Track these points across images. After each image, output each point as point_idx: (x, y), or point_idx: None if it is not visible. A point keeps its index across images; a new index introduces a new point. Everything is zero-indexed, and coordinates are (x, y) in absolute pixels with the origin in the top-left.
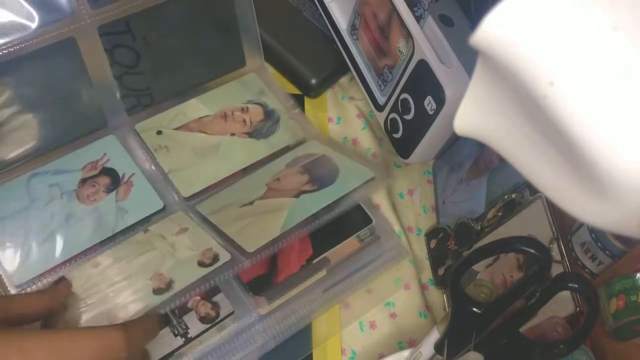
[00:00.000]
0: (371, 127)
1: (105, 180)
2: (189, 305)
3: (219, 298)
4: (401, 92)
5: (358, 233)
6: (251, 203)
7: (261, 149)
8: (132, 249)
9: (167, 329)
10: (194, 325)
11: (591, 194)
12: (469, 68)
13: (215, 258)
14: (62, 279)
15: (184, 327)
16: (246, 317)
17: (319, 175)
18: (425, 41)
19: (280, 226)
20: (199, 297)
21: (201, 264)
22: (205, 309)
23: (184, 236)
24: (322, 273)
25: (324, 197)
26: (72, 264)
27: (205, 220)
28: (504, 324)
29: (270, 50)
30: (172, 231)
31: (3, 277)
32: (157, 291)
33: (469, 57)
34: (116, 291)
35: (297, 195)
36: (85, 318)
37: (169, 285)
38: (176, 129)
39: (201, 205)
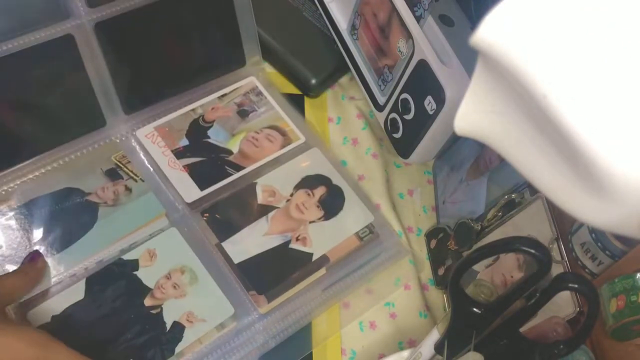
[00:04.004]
0: (371, 127)
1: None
2: None
3: None
4: (401, 92)
5: (357, 231)
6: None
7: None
8: None
9: None
10: None
11: (591, 194)
12: (469, 68)
13: None
14: (37, 254)
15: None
16: (246, 316)
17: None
18: (425, 41)
19: None
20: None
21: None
22: None
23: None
24: (322, 272)
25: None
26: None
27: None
28: (504, 324)
29: (270, 50)
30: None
31: None
32: None
33: (469, 57)
34: None
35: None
36: None
37: None
38: None
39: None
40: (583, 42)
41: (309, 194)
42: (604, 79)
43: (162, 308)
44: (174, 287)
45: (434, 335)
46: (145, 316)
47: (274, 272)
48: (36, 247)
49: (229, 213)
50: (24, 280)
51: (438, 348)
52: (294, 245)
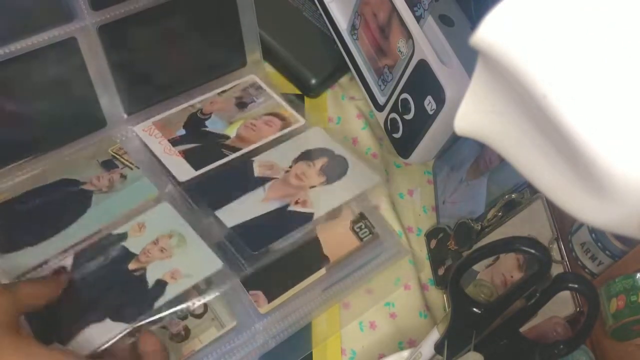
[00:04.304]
0: (371, 127)
1: None
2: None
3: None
4: (401, 92)
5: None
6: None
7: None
8: None
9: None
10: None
11: (591, 194)
12: (469, 68)
13: None
14: (62, 268)
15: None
16: (246, 316)
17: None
18: (425, 41)
19: None
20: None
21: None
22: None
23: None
24: (322, 272)
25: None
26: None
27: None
28: (504, 324)
29: (270, 50)
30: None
31: None
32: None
33: (469, 57)
34: None
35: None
36: None
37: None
38: None
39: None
40: (583, 42)
41: (309, 165)
42: (604, 79)
43: (145, 269)
44: (161, 250)
45: (434, 335)
46: (127, 277)
47: (272, 231)
48: (27, 234)
49: (223, 186)
50: (43, 290)
51: (438, 348)
52: (293, 208)
